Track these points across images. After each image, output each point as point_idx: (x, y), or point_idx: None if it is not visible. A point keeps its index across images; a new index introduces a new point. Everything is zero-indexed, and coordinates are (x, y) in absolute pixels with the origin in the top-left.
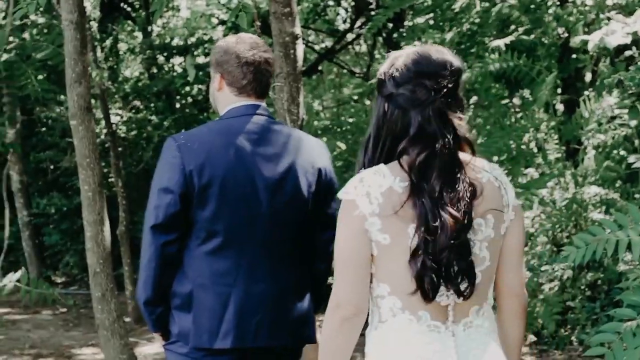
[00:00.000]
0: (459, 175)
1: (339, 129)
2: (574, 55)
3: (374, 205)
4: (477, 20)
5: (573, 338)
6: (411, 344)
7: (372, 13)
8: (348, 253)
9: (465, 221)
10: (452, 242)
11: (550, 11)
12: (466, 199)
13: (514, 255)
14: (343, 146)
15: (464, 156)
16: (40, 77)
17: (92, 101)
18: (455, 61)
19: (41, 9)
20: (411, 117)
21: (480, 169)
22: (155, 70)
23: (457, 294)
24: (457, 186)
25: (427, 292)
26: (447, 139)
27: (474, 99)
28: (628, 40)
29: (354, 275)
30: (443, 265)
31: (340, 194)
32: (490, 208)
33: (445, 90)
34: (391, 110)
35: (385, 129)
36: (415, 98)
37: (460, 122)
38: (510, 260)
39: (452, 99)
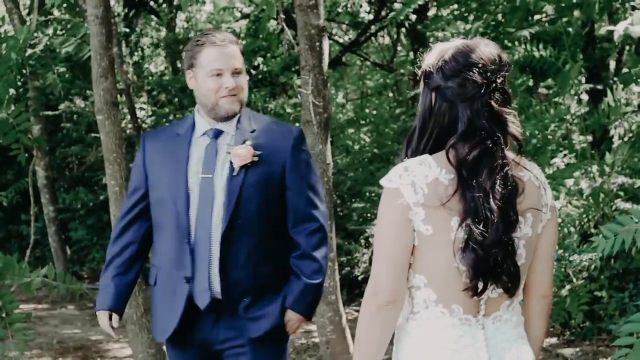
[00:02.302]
0: (507, 172)
1: (362, 121)
2: (598, 45)
3: (419, 195)
4: (501, 11)
5: (601, 327)
6: (442, 337)
7: (396, 4)
8: (389, 241)
9: (513, 218)
10: (502, 237)
11: (574, 1)
12: (514, 196)
13: (546, 256)
14: (367, 138)
15: (508, 153)
16: (64, 71)
17: (117, 96)
18: (503, 55)
19: (65, 5)
20: (459, 111)
21: (522, 167)
22: (179, 65)
23: (504, 290)
24: (506, 183)
25: (477, 289)
26: (497, 135)
27: None
28: None
29: (393, 264)
30: (492, 261)
31: (382, 182)
32: (530, 207)
33: (494, 84)
34: (439, 103)
35: (432, 122)
36: (464, 92)
37: (509, 117)
38: (542, 261)
39: (500, 94)
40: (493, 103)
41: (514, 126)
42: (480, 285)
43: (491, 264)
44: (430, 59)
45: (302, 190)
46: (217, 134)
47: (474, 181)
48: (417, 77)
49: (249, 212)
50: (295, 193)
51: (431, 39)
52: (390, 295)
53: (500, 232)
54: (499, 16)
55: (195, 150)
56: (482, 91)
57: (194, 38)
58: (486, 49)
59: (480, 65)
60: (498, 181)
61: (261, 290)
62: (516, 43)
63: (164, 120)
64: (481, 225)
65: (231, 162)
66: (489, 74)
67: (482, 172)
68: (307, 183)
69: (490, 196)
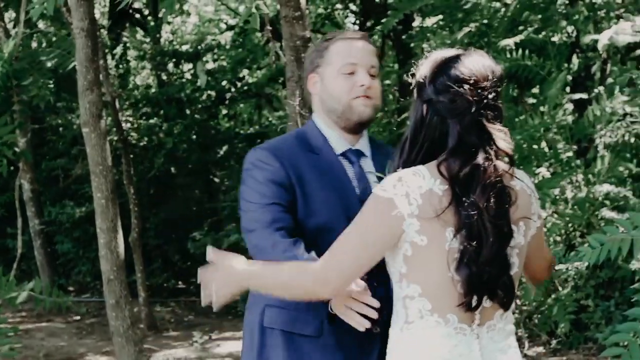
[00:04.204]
0: (500, 187)
1: None
2: (583, 54)
3: (413, 206)
4: (487, 21)
5: (587, 336)
6: (437, 347)
7: (381, 15)
8: (369, 247)
9: (507, 233)
10: (496, 254)
11: (560, 10)
12: (508, 211)
13: (539, 247)
14: None
15: (500, 164)
16: (49, 83)
17: (103, 108)
18: (497, 69)
19: (50, 14)
20: (450, 126)
21: (514, 177)
22: (165, 77)
23: (500, 305)
24: (499, 198)
25: (472, 305)
26: (488, 152)
27: None
28: (637, 38)
29: (359, 268)
30: (487, 278)
31: (376, 190)
32: (523, 216)
33: (485, 100)
34: (430, 116)
35: (423, 134)
36: (454, 107)
37: (499, 133)
38: (536, 253)
39: (492, 110)
40: (484, 120)
41: (505, 143)
42: (475, 301)
43: (485, 279)
44: (423, 70)
45: None
46: (359, 155)
47: (468, 198)
48: (411, 86)
49: None
50: None
51: (416, 50)
52: (334, 293)
53: (495, 250)
54: (484, 26)
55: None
56: (473, 107)
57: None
58: (479, 64)
59: (471, 81)
60: (492, 199)
61: None
62: (505, 53)
63: (150, 132)
64: (475, 243)
65: None
66: (480, 90)
67: (475, 189)
68: None
69: (485, 214)
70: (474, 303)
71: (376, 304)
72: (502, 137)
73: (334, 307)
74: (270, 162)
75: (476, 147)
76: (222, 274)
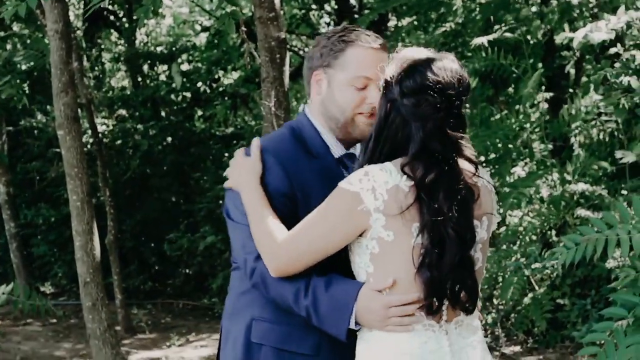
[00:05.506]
0: (464, 194)
1: None
2: (558, 53)
3: (378, 201)
4: (462, 20)
5: (564, 334)
6: (406, 344)
7: (356, 16)
8: (331, 241)
9: (469, 241)
10: (459, 261)
11: (533, 9)
12: (472, 219)
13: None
14: None
15: (464, 164)
16: (23, 85)
17: (78, 111)
18: (465, 77)
19: (23, 17)
20: (412, 131)
21: (477, 175)
22: (140, 79)
23: (463, 311)
24: (464, 206)
25: (432, 308)
26: (452, 159)
27: None
28: (612, 36)
29: (315, 259)
30: (449, 283)
31: (342, 184)
32: (486, 212)
33: (450, 108)
34: (393, 116)
35: (385, 135)
36: (418, 112)
37: (462, 141)
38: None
39: (456, 118)
40: (445, 126)
41: (469, 150)
42: (435, 304)
43: (448, 286)
44: (391, 69)
45: None
46: (354, 159)
47: (433, 204)
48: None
49: None
50: None
51: (391, 50)
52: (277, 272)
53: (458, 258)
54: (459, 26)
55: None
56: (437, 114)
57: (333, 32)
58: (447, 70)
59: (438, 87)
60: (455, 206)
61: None
62: (480, 52)
63: (125, 134)
64: (437, 249)
65: None
66: (445, 98)
67: (439, 195)
68: None
69: (448, 221)
70: (434, 306)
71: (415, 296)
72: (465, 144)
73: (371, 325)
74: (276, 168)
75: (439, 153)
76: (236, 171)
